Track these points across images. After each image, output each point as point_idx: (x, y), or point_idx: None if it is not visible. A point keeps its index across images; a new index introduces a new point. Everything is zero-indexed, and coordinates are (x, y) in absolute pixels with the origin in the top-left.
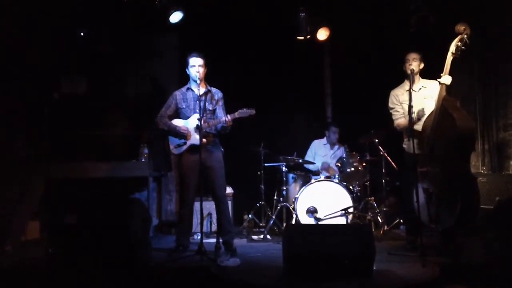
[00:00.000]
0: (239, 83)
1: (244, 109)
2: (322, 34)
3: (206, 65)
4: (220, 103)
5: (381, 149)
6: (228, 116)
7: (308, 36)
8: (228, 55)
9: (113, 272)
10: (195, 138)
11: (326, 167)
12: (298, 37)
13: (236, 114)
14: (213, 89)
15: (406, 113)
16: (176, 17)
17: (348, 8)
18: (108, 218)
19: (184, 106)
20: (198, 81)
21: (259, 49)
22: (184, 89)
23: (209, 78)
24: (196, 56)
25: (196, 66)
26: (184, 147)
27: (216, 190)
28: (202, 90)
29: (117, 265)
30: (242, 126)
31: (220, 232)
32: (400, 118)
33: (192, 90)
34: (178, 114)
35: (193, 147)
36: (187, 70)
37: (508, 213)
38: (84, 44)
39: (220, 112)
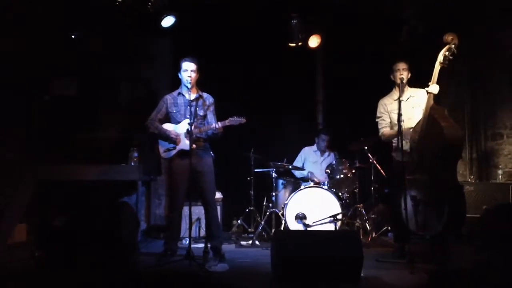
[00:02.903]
0: (231, 88)
1: (235, 117)
2: (314, 41)
3: (199, 70)
4: (211, 108)
5: (371, 157)
6: (219, 123)
7: (300, 43)
8: (221, 61)
9: (101, 276)
10: (185, 143)
11: (313, 178)
12: (290, 44)
13: (227, 122)
14: (205, 94)
15: (394, 122)
16: (168, 21)
17: (339, 16)
18: (96, 222)
19: (174, 111)
20: (190, 86)
21: (251, 55)
22: (175, 93)
23: (200, 83)
24: (189, 61)
25: (188, 70)
26: (174, 152)
27: (205, 195)
28: (193, 95)
29: (105, 269)
30: (233, 131)
31: (208, 237)
32: (385, 127)
33: (183, 95)
34: (168, 118)
35: (183, 152)
36: (179, 74)
37: (495, 221)
38: (76, 47)
39: (211, 117)
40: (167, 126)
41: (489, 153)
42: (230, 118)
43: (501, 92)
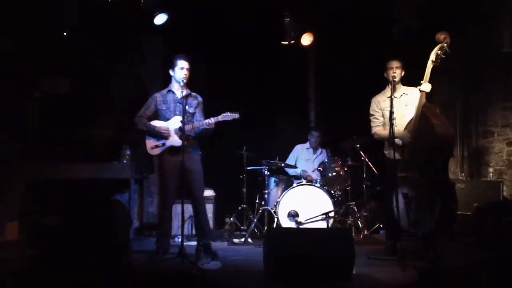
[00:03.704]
0: (223, 86)
1: (228, 113)
2: (306, 39)
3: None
4: (201, 107)
5: (363, 155)
6: (212, 119)
7: (292, 41)
8: (213, 59)
9: (93, 274)
10: (174, 140)
11: (305, 175)
12: (283, 42)
13: (220, 118)
14: (193, 93)
15: (387, 119)
16: (160, 19)
17: (332, 14)
18: (89, 220)
19: (164, 108)
20: (182, 84)
21: (244, 53)
22: (164, 91)
23: (194, 81)
24: (185, 59)
25: (184, 68)
26: (163, 148)
27: (195, 192)
28: (183, 92)
29: (97, 267)
30: (226, 128)
31: (200, 235)
32: (378, 126)
33: (173, 92)
34: (157, 115)
35: (173, 149)
36: (171, 71)
37: (486, 219)
38: (68, 44)
39: (199, 116)
40: (156, 123)
41: (480, 151)
42: (223, 114)
43: (493, 90)
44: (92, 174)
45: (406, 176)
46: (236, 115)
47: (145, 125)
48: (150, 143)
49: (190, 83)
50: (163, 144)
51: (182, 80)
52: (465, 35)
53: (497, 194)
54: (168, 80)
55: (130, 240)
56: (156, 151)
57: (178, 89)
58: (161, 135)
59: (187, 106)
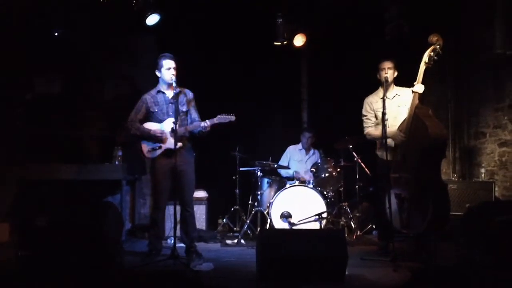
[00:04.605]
0: (216, 86)
1: (224, 114)
2: (299, 40)
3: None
4: (193, 103)
5: (355, 155)
6: (207, 121)
7: (285, 42)
8: (205, 59)
9: (85, 276)
10: (171, 142)
11: (298, 177)
12: (275, 43)
13: (215, 120)
14: (184, 90)
15: (380, 120)
16: (152, 19)
17: (324, 15)
18: (80, 221)
19: (156, 110)
20: (174, 85)
21: (237, 54)
22: (153, 92)
23: (188, 82)
24: (171, 59)
25: (171, 68)
26: (159, 151)
27: (185, 195)
28: (173, 92)
29: (89, 269)
30: (218, 129)
31: (189, 237)
32: (370, 127)
33: (163, 92)
34: (149, 118)
35: (168, 151)
36: (158, 72)
37: (477, 220)
38: (60, 44)
39: (193, 113)
40: (150, 126)
41: (472, 151)
42: (219, 116)
43: (485, 91)
44: (84, 175)
45: (399, 176)
46: (232, 117)
47: (138, 130)
48: (145, 146)
49: (183, 83)
50: (160, 147)
51: (174, 81)
52: (457, 36)
53: (489, 194)
54: None
55: (122, 242)
56: (153, 154)
57: (167, 89)
58: (157, 139)
59: (179, 106)
